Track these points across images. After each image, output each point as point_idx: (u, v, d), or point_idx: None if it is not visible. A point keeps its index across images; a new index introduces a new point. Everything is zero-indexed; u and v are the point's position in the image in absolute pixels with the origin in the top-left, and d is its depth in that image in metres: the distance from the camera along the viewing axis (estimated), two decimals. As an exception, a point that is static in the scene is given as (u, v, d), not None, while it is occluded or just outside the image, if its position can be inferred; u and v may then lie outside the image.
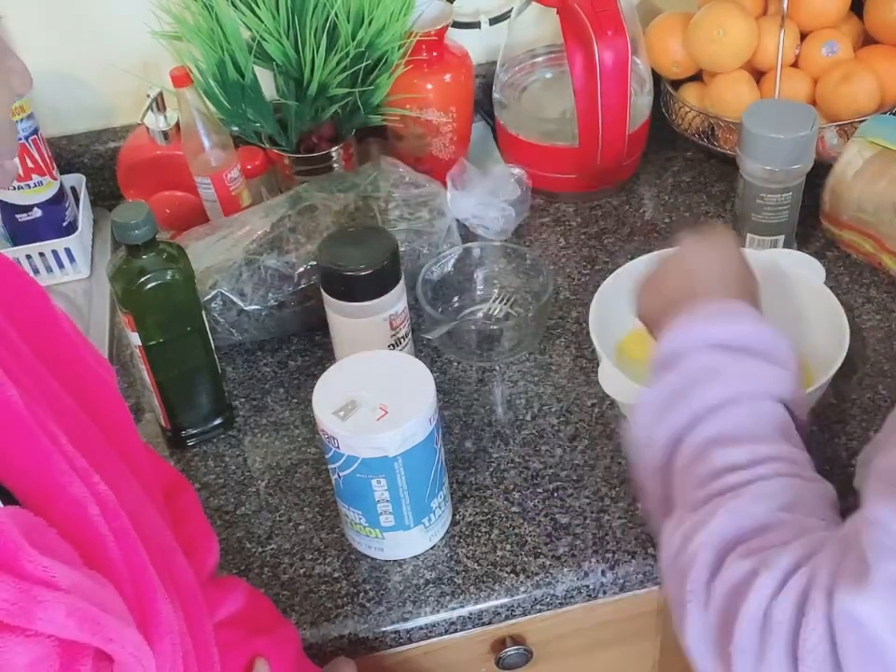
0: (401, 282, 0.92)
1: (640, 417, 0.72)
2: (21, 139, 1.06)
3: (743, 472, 0.64)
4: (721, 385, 0.69)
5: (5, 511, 0.45)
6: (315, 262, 0.97)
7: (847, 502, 0.76)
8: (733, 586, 0.58)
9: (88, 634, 0.45)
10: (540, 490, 0.89)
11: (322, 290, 0.92)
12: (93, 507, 0.51)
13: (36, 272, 1.13)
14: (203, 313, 0.91)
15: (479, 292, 1.08)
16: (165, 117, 1.12)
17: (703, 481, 0.65)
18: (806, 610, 0.54)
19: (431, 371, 0.79)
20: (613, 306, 0.94)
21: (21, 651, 0.42)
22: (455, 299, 1.07)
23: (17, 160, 1.06)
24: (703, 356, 0.71)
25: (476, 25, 1.26)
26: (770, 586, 0.56)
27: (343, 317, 0.92)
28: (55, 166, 1.13)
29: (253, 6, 1.03)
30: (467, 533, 0.86)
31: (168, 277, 0.85)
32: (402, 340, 0.95)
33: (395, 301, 0.92)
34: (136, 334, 0.87)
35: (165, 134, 1.12)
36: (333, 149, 1.12)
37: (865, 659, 0.52)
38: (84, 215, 1.17)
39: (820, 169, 1.05)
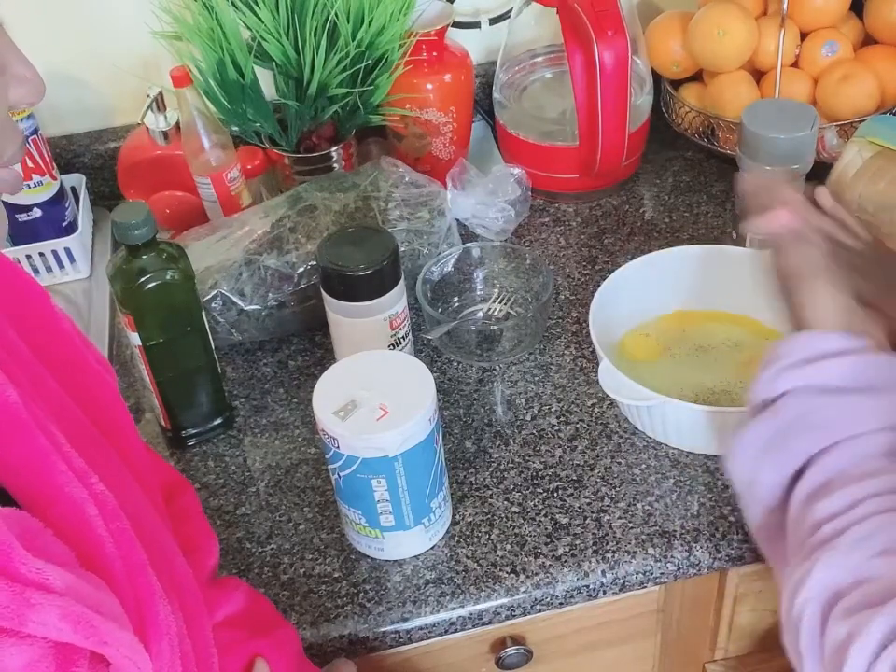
0: (401, 282, 0.92)
1: (740, 456, 0.72)
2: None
3: (839, 520, 0.63)
4: (816, 433, 0.68)
5: None
6: (315, 262, 0.97)
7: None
8: (835, 649, 0.59)
9: (81, 636, 0.44)
10: (540, 490, 0.89)
11: (322, 290, 0.92)
12: (91, 508, 0.51)
13: (36, 272, 1.13)
14: (203, 313, 0.90)
15: (479, 292, 1.08)
16: (165, 117, 1.12)
17: (805, 534, 0.65)
18: None
19: (431, 371, 0.79)
20: (613, 306, 0.94)
21: (14, 654, 0.42)
22: (455, 299, 1.07)
23: (19, 168, 1.06)
24: (797, 402, 0.69)
25: (476, 25, 1.26)
26: (865, 655, 0.56)
27: (343, 317, 0.92)
28: (55, 166, 1.13)
29: (253, 6, 1.03)
30: (467, 533, 0.86)
31: (168, 277, 0.85)
32: (402, 340, 0.95)
33: (395, 302, 0.92)
34: (136, 334, 0.87)
35: (165, 134, 1.12)
36: (333, 149, 1.12)
37: None
38: (84, 215, 1.17)
39: (820, 169, 1.05)
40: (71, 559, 0.48)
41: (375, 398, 0.76)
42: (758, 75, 1.19)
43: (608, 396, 0.95)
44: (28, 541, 0.44)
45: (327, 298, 0.92)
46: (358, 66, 1.07)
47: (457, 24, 1.23)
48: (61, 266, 1.14)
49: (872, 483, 0.64)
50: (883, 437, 0.67)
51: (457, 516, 0.87)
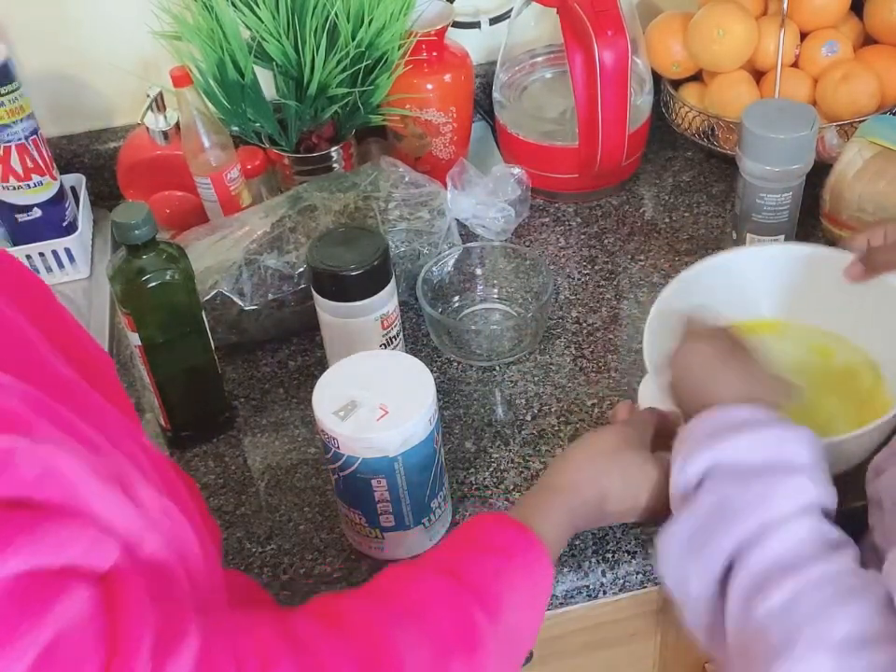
0: (392, 281, 0.92)
1: (667, 558, 0.70)
2: (21, 139, 1.06)
3: (785, 622, 0.62)
4: (735, 524, 0.66)
5: None
6: (314, 262, 0.97)
7: (850, 505, 0.76)
8: None
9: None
10: (540, 490, 0.89)
11: (313, 291, 0.91)
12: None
13: (36, 272, 1.13)
14: (203, 313, 0.91)
15: (479, 292, 1.08)
16: (165, 117, 1.12)
17: (750, 639, 0.63)
18: None
19: (431, 371, 0.79)
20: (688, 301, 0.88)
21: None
22: (455, 299, 1.07)
23: None
24: (711, 492, 0.68)
25: (476, 25, 1.26)
26: None
27: (334, 318, 0.91)
28: (55, 166, 1.12)
29: (253, 6, 1.03)
30: (467, 533, 0.86)
31: (168, 277, 0.85)
32: (394, 339, 0.95)
33: (386, 301, 0.91)
34: (136, 334, 0.87)
35: (165, 134, 1.13)
36: (333, 149, 1.12)
37: None
38: (84, 215, 1.17)
39: (820, 169, 1.05)
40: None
41: (375, 398, 0.76)
42: (758, 75, 1.19)
43: (607, 396, 0.96)
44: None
45: (318, 298, 0.91)
46: (358, 66, 1.07)
47: (457, 24, 1.23)
48: (61, 266, 1.14)
49: (805, 574, 0.63)
50: (805, 520, 0.66)
51: (457, 516, 0.87)
